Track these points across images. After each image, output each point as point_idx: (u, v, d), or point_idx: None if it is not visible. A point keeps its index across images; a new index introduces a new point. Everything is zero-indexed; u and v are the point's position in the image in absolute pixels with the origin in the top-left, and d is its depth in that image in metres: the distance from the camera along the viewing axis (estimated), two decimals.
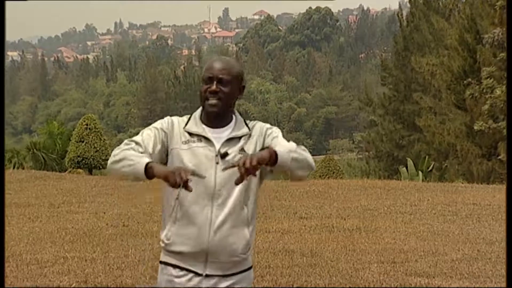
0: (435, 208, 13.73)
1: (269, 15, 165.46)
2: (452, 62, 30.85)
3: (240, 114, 3.95)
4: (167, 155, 3.79)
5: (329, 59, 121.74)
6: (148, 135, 3.78)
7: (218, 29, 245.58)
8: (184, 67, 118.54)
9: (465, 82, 29.10)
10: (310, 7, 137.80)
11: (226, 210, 3.70)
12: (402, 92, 39.15)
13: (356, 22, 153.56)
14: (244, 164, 3.44)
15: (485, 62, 27.51)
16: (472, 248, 9.71)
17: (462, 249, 9.65)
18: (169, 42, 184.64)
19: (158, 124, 3.84)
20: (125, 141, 3.79)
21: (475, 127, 27.00)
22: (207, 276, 3.73)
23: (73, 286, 7.74)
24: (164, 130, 3.79)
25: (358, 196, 15.65)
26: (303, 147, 3.82)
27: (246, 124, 3.87)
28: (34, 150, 26.72)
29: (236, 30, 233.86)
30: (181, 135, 3.77)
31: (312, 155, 4.00)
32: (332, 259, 9.05)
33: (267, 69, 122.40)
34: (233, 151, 3.73)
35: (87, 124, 24.89)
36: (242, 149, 3.74)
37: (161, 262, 3.84)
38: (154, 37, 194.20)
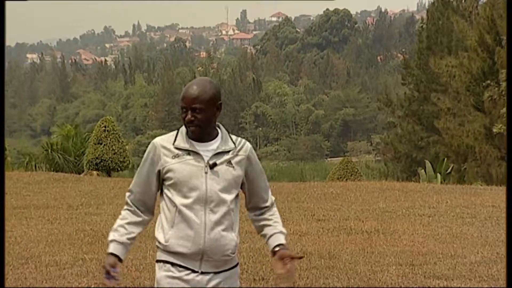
0: (454, 211, 13.66)
1: (287, 17, 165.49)
2: (471, 64, 30.68)
3: (225, 127, 4.33)
4: (162, 178, 4.20)
5: (347, 61, 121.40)
6: (138, 180, 4.25)
7: (236, 31, 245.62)
8: (202, 69, 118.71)
9: (484, 84, 28.95)
10: (328, 9, 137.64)
11: (217, 214, 4.12)
12: (422, 92, 39.01)
13: (374, 23, 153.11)
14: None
15: (504, 64, 27.35)
16: (491, 250, 9.65)
17: (481, 251, 9.59)
18: (187, 44, 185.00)
19: (144, 161, 4.24)
20: (126, 194, 4.31)
21: (494, 130, 26.85)
22: (202, 273, 4.13)
23: (91, 287, 7.76)
24: (151, 162, 4.20)
25: (376, 198, 15.59)
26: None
27: (232, 140, 4.24)
28: (50, 150, 26.76)
29: (254, 32, 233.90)
30: (170, 152, 4.16)
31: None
32: (350, 261, 9.02)
33: (285, 71, 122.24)
34: (221, 162, 4.14)
35: (105, 126, 24.94)
36: (229, 162, 4.16)
37: (158, 261, 4.21)
38: (172, 39, 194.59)
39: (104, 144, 24.64)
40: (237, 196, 4.24)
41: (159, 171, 4.17)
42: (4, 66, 5.42)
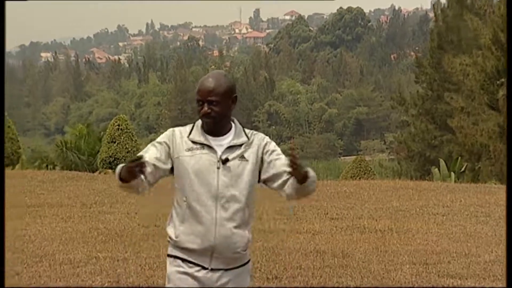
0: (468, 209, 13.62)
1: (300, 15, 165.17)
2: (485, 62, 30.55)
3: (240, 122, 4.29)
4: (172, 165, 4.17)
5: (360, 59, 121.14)
6: (152, 151, 4.18)
7: (249, 30, 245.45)
8: (215, 67, 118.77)
9: (498, 82, 28.82)
10: (341, 7, 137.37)
11: (229, 211, 4.09)
12: (435, 91, 38.88)
13: (388, 22, 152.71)
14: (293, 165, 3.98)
15: None
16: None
17: (495, 250, 9.56)
18: (200, 43, 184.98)
19: (161, 138, 4.22)
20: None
21: None
22: (212, 269, 4.11)
23: (105, 286, 7.78)
24: (167, 142, 4.18)
25: (389, 197, 15.56)
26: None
27: (245, 133, 4.23)
28: (64, 149, 26.84)
29: (267, 31, 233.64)
30: (184, 143, 4.15)
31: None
32: (363, 260, 9.01)
33: (298, 69, 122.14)
34: (233, 157, 4.12)
35: (118, 125, 24.99)
36: (242, 156, 4.15)
37: (169, 256, 4.20)
38: (185, 38, 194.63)
39: (118, 143, 24.68)
40: (252, 191, 4.18)
41: (171, 155, 4.15)
42: (4, 66, 5.41)
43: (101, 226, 11.59)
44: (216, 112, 4.08)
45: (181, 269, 4.12)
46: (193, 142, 4.14)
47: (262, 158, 4.20)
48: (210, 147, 4.11)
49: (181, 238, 4.11)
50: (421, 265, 8.71)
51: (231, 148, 4.14)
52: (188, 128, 4.22)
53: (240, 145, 4.16)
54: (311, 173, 4.14)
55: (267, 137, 4.31)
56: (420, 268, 8.58)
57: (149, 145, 4.25)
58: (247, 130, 4.26)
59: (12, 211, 13.20)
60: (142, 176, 4.01)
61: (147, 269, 8.40)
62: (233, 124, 4.23)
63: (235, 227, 4.10)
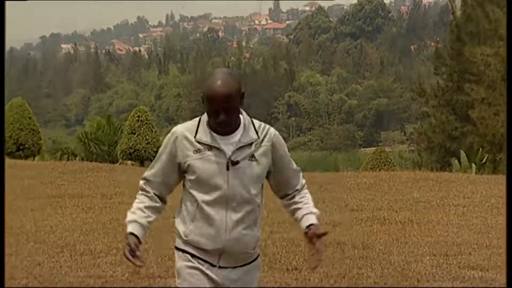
0: (489, 201, 13.54)
1: (320, 6, 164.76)
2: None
3: (258, 117, 4.19)
4: (183, 170, 4.06)
5: (380, 50, 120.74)
6: (157, 167, 4.13)
7: (269, 21, 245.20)
8: (234, 59, 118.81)
9: None
10: None
11: (240, 213, 4.00)
12: (455, 82, 38.65)
13: (408, 12, 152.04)
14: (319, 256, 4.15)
15: None
16: None
17: None
18: (220, 34, 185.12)
19: (164, 150, 4.11)
20: (141, 182, 4.16)
21: None
22: (220, 267, 4.05)
23: (125, 276, 7.81)
24: (171, 153, 4.06)
25: (410, 188, 15.50)
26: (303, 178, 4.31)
27: (255, 128, 4.06)
28: (85, 140, 26.96)
29: (287, 22, 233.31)
30: (190, 146, 4.00)
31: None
32: (383, 251, 8.99)
33: (317, 60, 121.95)
34: (243, 158, 3.98)
35: (138, 116, 25.08)
36: (252, 156, 4.01)
37: (177, 249, 4.16)
38: (205, 29, 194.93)
39: (138, 134, 24.79)
40: (261, 190, 4.11)
41: (179, 164, 4.04)
42: (4, 66, 5.44)
43: (121, 217, 11.57)
44: (232, 118, 3.94)
45: (190, 264, 4.07)
46: (200, 143, 3.98)
47: (272, 160, 4.09)
48: (218, 149, 3.96)
49: (191, 237, 4.05)
50: (442, 257, 8.68)
51: (240, 148, 3.98)
52: (192, 125, 4.05)
53: (250, 144, 4.00)
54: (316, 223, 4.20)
55: (277, 134, 4.13)
56: (440, 259, 8.55)
57: (156, 159, 4.17)
58: (256, 123, 4.08)
59: (33, 202, 13.30)
60: (144, 225, 4.17)
61: (167, 259, 8.42)
62: (241, 118, 4.03)
63: (245, 228, 4.02)
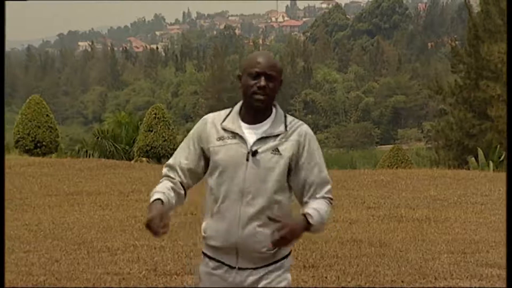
0: None
1: (337, 3, 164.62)
2: None
3: (285, 110, 3.94)
4: (207, 156, 3.87)
5: (397, 47, 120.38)
6: (182, 155, 3.91)
7: (286, 18, 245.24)
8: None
9: None
10: None
11: (255, 208, 3.74)
12: (473, 79, 38.47)
13: (426, 10, 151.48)
14: (282, 234, 3.63)
15: None
16: None
17: None
18: (237, 31, 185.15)
19: (192, 134, 3.93)
20: (164, 169, 3.95)
21: None
22: (239, 269, 3.80)
23: (142, 273, 7.83)
24: (198, 138, 3.87)
25: (427, 186, 15.45)
26: (329, 198, 3.95)
27: (285, 122, 3.84)
28: (101, 138, 27.05)
29: (304, 19, 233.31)
30: (216, 132, 3.82)
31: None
32: (401, 249, 8.96)
33: (334, 58, 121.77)
34: (265, 150, 3.76)
35: (155, 114, 25.14)
36: (276, 149, 3.77)
37: (202, 253, 3.95)
38: (222, 26, 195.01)
39: (155, 132, 24.85)
40: (287, 189, 3.84)
41: (202, 149, 3.85)
42: (4, 66, 5.44)
43: (139, 214, 11.66)
44: (271, 90, 3.76)
45: (208, 269, 3.87)
46: (225, 130, 3.79)
47: (297, 159, 3.81)
48: (241, 137, 3.77)
49: (208, 233, 3.84)
50: (459, 254, 8.65)
51: (264, 139, 3.76)
52: (224, 113, 3.89)
53: (276, 136, 3.77)
54: (318, 226, 3.84)
55: (310, 132, 3.90)
56: (458, 257, 8.51)
57: (179, 148, 3.98)
58: (289, 118, 3.87)
59: (50, 199, 13.36)
60: (168, 203, 3.78)
61: (184, 257, 8.44)
62: (273, 110, 3.85)
63: (261, 225, 3.73)
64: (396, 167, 23.67)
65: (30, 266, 8.16)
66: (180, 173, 3.89)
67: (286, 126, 3.81)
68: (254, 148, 3.74)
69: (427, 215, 11.57)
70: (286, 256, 3.92)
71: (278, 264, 3.87)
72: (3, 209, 5.11)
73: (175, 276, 7.75)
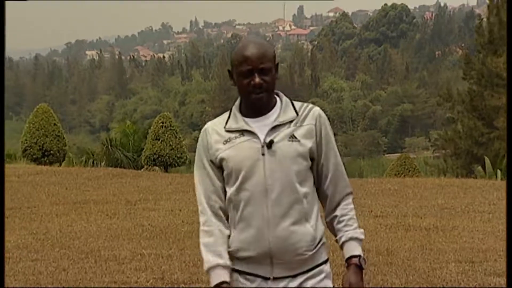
0: None
1: (344, 12, 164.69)
2: None
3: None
4: (218, 166, 3.48)
5: (404, 56, 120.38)
6: (206, 193, 3.50)
7: (293, 27, 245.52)
8: None
9: None
10: (385, 4, 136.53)
11: (283, 206, 3.35)
12: (483, 87, 38.44)
13: (433, 18, 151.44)
14: None
15: None
16: None
17: None
18: None
19: (199, 156, 3.53)
20: (200, 219, 3.52)
21: None
22: (275, 279, 3.40)
23: (149, 282, 7.82)
24: (206, 153, 3.49)
25: (435, 194, 15.42)
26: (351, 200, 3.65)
27: (294, 107, 3.47)
28: (109, 146, 27.10)
29: (311, 28, 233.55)
30: (221, 137, 3.45)
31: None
32: (408, 258, 8.94)
33: (341, 66, 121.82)
34: (281, 139, 3.38)
35: (162, 122, 25.17)
36: (292, 136, 3.39)
37: (232, 270, 3.48)
38: (229, 35, 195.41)
39: (162, 140, 24.88)
40: (309, 176, 3.47)
41: (211, 161, 3.45)
42: (4, 66, 5.44)
43: (146, 223, 11.66)
44: (268, 83, 3.36)
45: (239, 286, 3.44)
46: (230, 131, 3.43)
47: (316, 144, 3.46)
48: (250, 132, 3.39)
49: (234, 246, 3.42)
50: (467, 263, 8.62)
51: (277, 127, 3.39)
52: (223, 117, 3.52)
53: (290, 122, 3.41)
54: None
55: (323, 114, 3.52)
56: (466, 266, 8.48)
57: (199, 181, 3.53)
58: (297, 104, 3.50)
59: (58, 208, 13.37)
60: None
61: (191, 266, 8.43)
62: (277, 98, 3.49)
63: (293, 223, 3.36)
64: (404, 176, 23.62)
65: (37, 275, 8.16)
66: (215, 219, 3.49)
67: (297, 112, 3.45)
68: (268, 139, 3.37)
69: (434, 224, 11.54)
70: (326, 261, 3.61)
71: (317, 270, 3.52)
72: (3, 210, 5.11)
73: (183, 285, 7.74)
